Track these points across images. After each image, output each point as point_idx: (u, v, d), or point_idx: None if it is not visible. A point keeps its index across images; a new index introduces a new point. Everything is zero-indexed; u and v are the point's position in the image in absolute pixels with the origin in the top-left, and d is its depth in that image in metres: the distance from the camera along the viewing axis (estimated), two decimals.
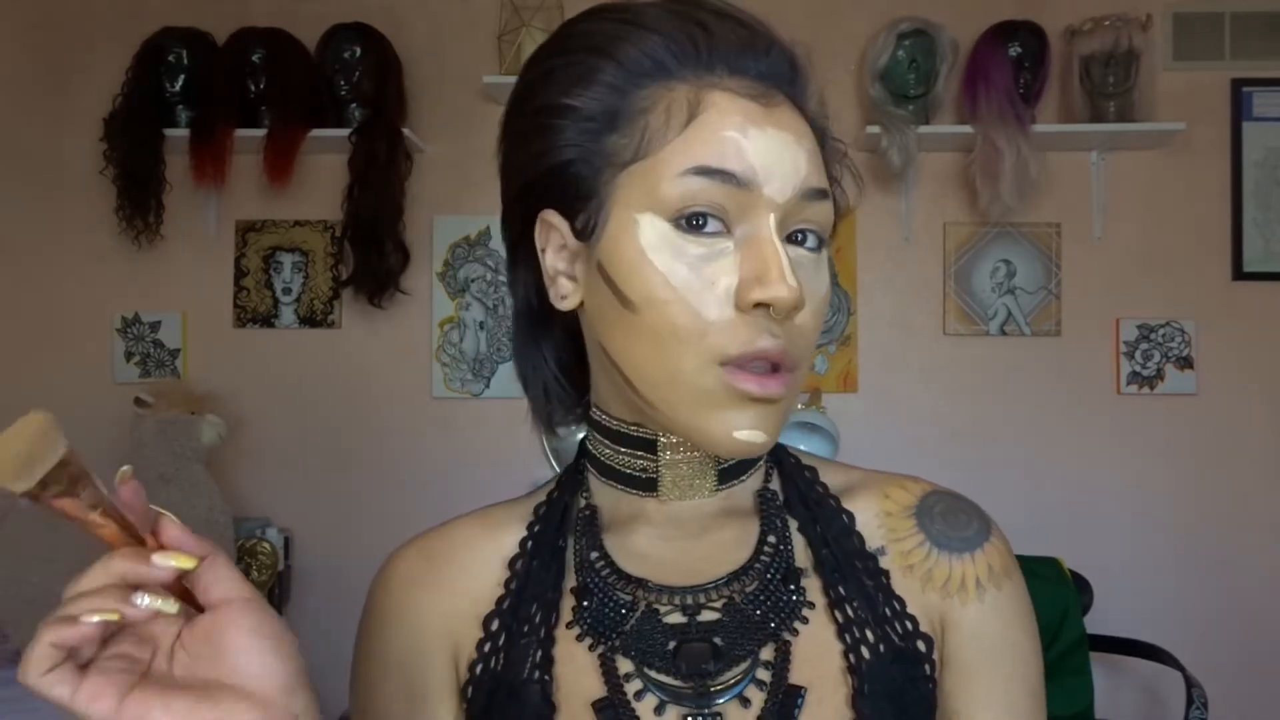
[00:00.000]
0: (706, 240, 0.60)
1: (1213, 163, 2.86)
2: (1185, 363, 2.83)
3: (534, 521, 0.72)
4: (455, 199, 2.90)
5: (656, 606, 0.65)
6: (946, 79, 2.77)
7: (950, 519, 0.70)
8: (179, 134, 2.79)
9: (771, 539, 0.68)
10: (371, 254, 2.77)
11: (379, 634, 0.71)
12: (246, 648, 0.52)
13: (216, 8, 2.89)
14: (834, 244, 2.88)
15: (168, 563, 0.52)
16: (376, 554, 0.78)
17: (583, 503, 0.71)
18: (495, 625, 0.68)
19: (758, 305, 0.59)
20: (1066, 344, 2.86)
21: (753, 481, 0.71)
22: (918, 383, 2.89)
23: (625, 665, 0.64)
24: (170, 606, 0.51)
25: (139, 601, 0.51)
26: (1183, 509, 2.82)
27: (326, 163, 2.87)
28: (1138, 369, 2.84)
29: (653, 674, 0.63)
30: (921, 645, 0.66)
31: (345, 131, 2.78)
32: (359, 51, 2.78)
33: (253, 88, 2.80)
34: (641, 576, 0.66)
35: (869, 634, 0.65)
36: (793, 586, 0.66)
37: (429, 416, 2.90)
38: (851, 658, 0.64)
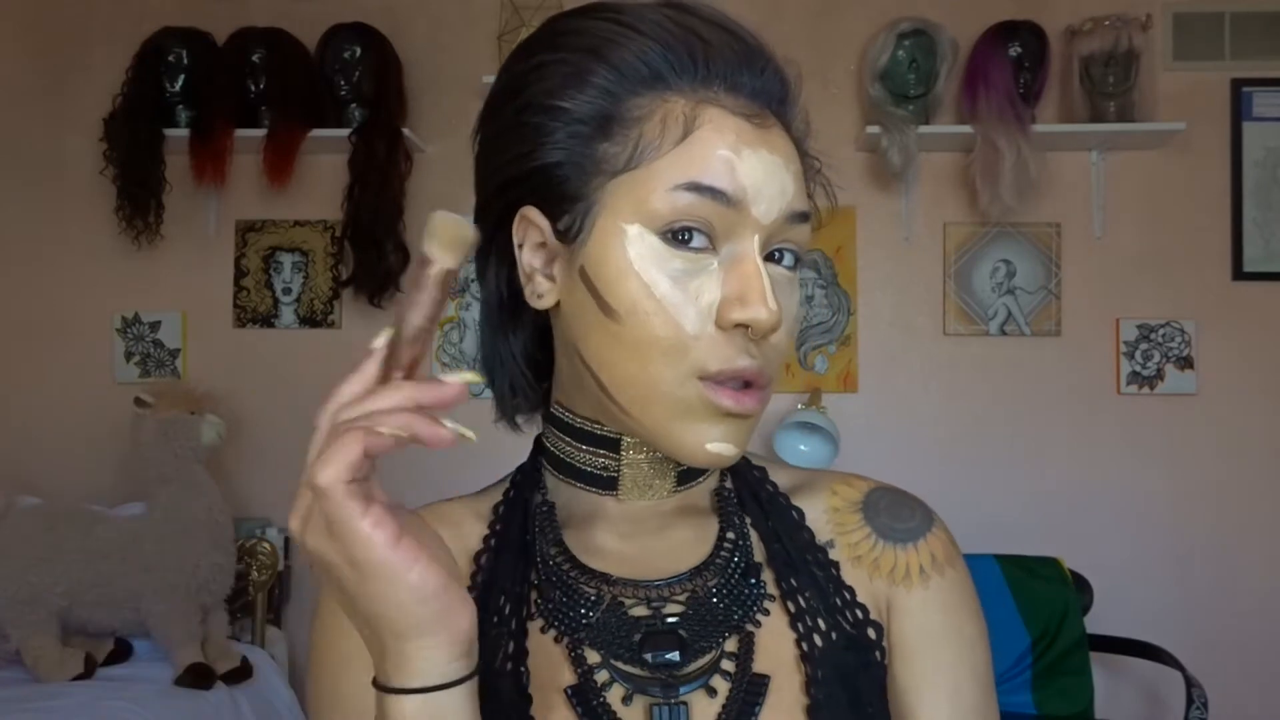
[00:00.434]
0: (692, 255, 0.61)
1: (1213, 163, 2.86)
2: (1185, 363, 2.83)
3: (495, 520, 0.72)
4: (455, 199, 2.87)
5: (621, 600, 0.66)
6: (946, 79, 2.77)
7: (894, 512, 0.72)
8: (179, 134, 2.80)
9: (730, 535, 0.70)
10: (371, 254, 2.77)
11: (350, 634, 0.67)
12: (439, 541, 0.56)
13: (216, 8, 2.89)
14: (834, 244, 2.89)
15: (459, 380, 0.53)
16: None
17: (539, 498, 0.71)
18: None
19: (737, 325, 0.61)
20: (1066, 344, 2.86)
21: (708, 481, 0.72)
22: (918, 383, 2.89)
23: (593, 656, 0.65)
24: (470, 433, 0.52)
25: (448, 425, 0.51)
26: (1183, 509, 2.82)
27: (326, 163, 2.87)
28: (1138, 369, 2.84)
29: (619, 665, 0.64)
30: (872, 632, 0.69)
31: (345, 131, 2.78)
32: (359, 51, 2.78)
33: (253, 88, 2.80)
34: (604, 571, 0.67)
35: (821, 623, 0.68)
36: (753, 580, 0.68)
37: None
38: (804, 646, 0.66)
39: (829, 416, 2.74)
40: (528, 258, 0.66)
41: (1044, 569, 2.54)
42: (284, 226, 2.95)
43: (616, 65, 0.62)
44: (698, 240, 0.61)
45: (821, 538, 0.71)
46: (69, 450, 2.91)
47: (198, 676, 2.28)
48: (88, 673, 2.28)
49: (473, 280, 2.87)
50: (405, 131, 2.81)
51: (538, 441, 0.74)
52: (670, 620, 0.66)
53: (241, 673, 2.39)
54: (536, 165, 0.64)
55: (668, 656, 0.64)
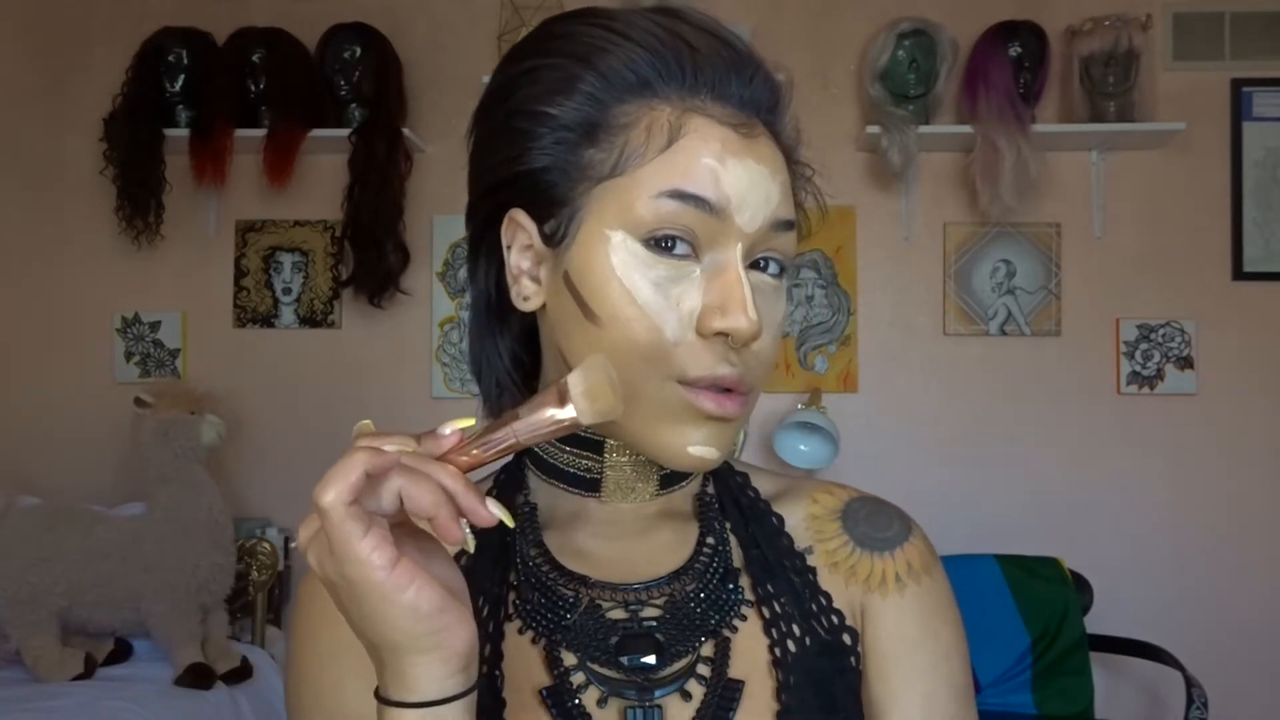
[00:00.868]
0: (675, 262, 0.61)
1: (1213, 163, 2.86)
2: (1185, 363, 2.83)
3: None
4: (455, 199, 2.90)
5: (599, 602, 0.67)
6: (946, 79, 2.77)
7: (873, 521, 0.73)
8: (179, 134, 2.79)
9: (710, 540, 0.70)
10: (371, 254, 2.77)
11: (323, 632, 0.68)
12: (447, 560, 0.57)
13: (216, 8, 2.89)
14: (834, 244, 2.89)
15: (456, 427, 0.58)
16: None
17: (521, 499, 0.71)
18: None
19: (718, 333, 0.61)
20: (1066, 344, 2.86)
21: (690, 486, 0.73)
22: (918, 383, 2.89)
23: (569, 658, 0.65)
24: (509, 519, 0.56)
25: (490, 506, 0.54)
26: (1183, 509, 2.82)
27: (326, 163, 2.87)
28: (1138, 369, 2.84)
29: (596, 667, 0.65)
30: (847, 638, 0.69)
31: (345, 131, 2.78)
32: (359, 51, 2.78)
33: (253, 88, 2.80)
34: (582, 574, 0.68)
35: (795, 628, 0.68)
36: (731, 585, 0.68)
37: (429, 416, 2.89)
38: (777, 651, 0.67)
39: (829, 416, 2.74)
40: (515, 259, 0.67)
41: (1044, 569, 2.55)
42: (284, 226, 2.95)
43: (604, 72, 0.62)
44: (680, 248, 0.61)
45: (800, 544, 0.72)
46: (69, 450, 2.91)
47: (198, 676, 2.28)
48: (88, 673, 2.28)
49: None
50: (405, 131, 2.80)
51: None
52: (647, 624, 0.66)
53: (241, 673, 2.39)
54: (524, 170, 0.64)
55: (644, 660, 0.65)
